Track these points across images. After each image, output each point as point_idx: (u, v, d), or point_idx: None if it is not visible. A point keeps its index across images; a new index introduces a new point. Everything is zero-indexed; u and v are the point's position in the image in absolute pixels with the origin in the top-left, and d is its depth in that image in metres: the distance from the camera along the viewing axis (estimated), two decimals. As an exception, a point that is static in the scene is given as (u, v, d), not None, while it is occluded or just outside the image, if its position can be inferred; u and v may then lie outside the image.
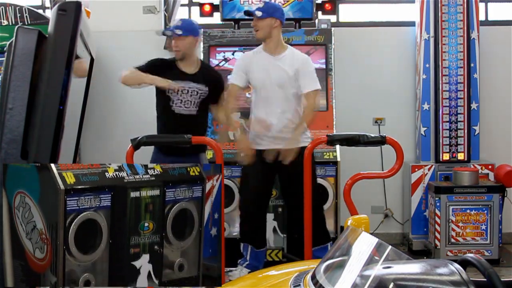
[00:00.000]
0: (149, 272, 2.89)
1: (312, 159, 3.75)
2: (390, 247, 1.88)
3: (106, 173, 2.78)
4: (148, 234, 2.88)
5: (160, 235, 2.93)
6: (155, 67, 3.93)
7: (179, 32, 3.89)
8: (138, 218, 2.84)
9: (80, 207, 2.66)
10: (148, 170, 2.93)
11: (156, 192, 2.91)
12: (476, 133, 5.16)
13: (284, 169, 3.83)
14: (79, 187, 2.65)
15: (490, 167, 5.07)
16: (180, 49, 3.93)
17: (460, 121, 5.10)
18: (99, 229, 2.73)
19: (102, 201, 2.73)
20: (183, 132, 3.57)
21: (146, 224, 2.86)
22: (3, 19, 4.81)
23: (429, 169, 5.09)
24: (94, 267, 2.75)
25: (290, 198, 4.09)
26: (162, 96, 3.95)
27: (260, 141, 3.95)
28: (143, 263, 2.87)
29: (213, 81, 4.04)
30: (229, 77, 4.11)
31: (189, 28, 3.93)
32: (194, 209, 3.09)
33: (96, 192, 2.71)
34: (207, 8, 5.03)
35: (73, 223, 2.63)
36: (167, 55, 4.84)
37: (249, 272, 3.86)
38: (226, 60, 4.87)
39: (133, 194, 2.82)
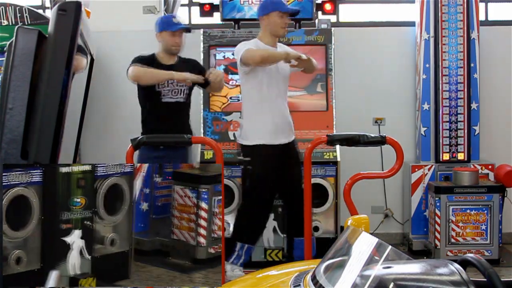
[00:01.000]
0: (81, 248, 2.94)
1: (298, 150, 4.03)
2: (390, 247, 1.89)
3: None
4: (79, 209, 2.90)
5: (92, 210, 2.96)
6: (142, 62, 4.08)
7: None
8: (69, 194, 2.85)
9: (10, 183, 2.64)
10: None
11: (87, 167, 2.93)
12: (476, 133, 5.15)
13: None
14: (9, 162, 2.62)
15: (490, 167, 5.06)
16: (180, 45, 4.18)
17: (460, 121, 5.09)
18: (30, 205, 2.73)
19: (32, 176, 2.72)
20: (170, 119, 4.00)
21: (77, 200, 2.88)
22: (3, 19, 4.81)
23: (429, 169, 5.09)
24: (26, 243, 2.75)
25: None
26: (149, 87, 4.07)
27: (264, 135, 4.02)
28: (75, 239, 2.90)
29: (195, 66, 4.24)
30: (244, 49, 4.00)
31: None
32: (125, 184, 3.12)
33: (27, 167, 2.70)
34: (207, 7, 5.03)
35: (3, 199, 2.61)
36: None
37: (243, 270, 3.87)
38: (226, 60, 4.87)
39: (64, 170, 2.82)
